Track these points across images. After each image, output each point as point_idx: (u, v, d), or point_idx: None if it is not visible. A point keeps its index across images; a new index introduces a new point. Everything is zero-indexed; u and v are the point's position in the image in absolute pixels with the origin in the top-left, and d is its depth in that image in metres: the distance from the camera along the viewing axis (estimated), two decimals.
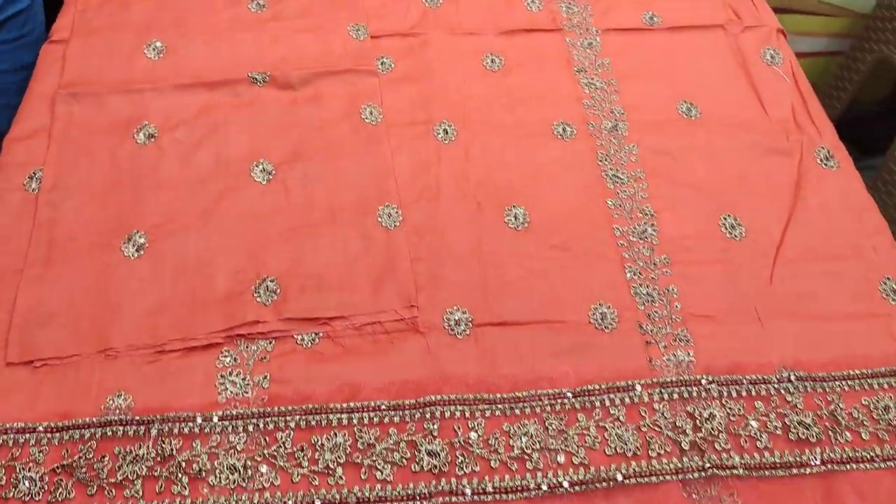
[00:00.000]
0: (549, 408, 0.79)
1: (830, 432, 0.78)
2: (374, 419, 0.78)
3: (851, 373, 0.82)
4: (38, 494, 0.72)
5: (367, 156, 1.00)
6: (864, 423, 0.79)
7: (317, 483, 0.74)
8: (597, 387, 0.80)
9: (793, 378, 0.82)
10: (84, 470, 0.74)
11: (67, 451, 0.75)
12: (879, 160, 1.58)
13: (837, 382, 0.82)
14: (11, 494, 0.72)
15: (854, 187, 1.00)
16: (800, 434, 0.78)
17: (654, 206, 0.96)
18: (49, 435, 0.76)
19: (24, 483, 0.73)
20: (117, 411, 0.77)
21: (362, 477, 0.74)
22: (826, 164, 1.01)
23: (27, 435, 0.75)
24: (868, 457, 0.77)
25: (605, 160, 1.01)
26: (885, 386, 0.82)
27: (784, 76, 1.12)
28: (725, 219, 0.95)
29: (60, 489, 0.72)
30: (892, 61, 1.56)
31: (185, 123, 1.02)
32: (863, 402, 0.80)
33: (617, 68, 1.13)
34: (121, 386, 0.79)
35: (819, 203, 0.97)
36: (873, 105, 1.85)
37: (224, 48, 1.12)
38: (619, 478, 0.74)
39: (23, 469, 0.73)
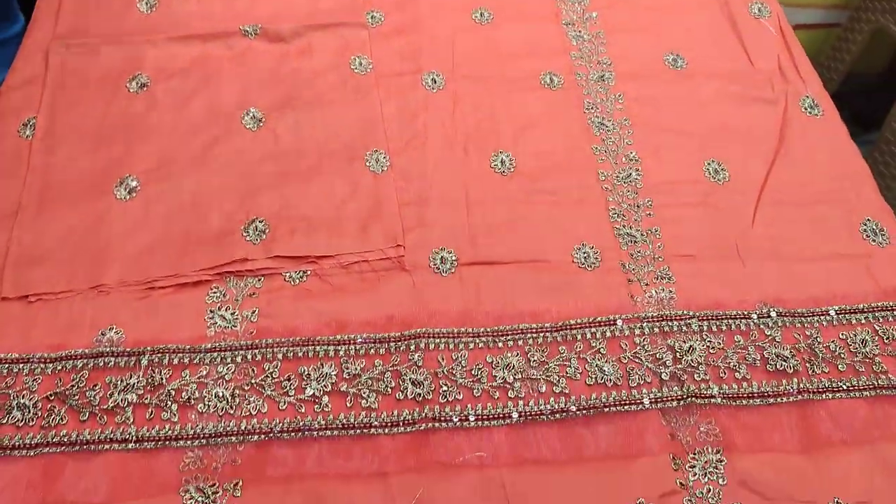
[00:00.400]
0: (531, 340, 0.80)
1: (808, 364, 0.79)
2: (360, 351, 0.79)
3: (830, 308, 0.83)
4: (32, 420, 0.74)
5: (356, 104, 1.01)
6: (842, 355, 0.80)
7: (303, 410, 0.75)
8: (578, 321, 0.81)
9: (773, 314, 0.83)
10: (76, 397, 0.76)
11: (60, 379, 0.77)
12: (876, 134, 1.57)
13: (816, 318, 0.83)
14: (5, 420, 0.74)
15: (838, 134, 1.00)
16: (777, 366, 0.79)
17: (639, 151, 0.97)
18: (42, 365, 0.77)
19: (16, 410, 0.74)
20: (108, 344, 0.79)
21: (347, 405, 0.76)
22: (811, 112, 1.02)
23: (21, 365, 0.77)
24: (844, 387, 0.78)
25: (592, 108, 1.02)
26: (863, 321, 0.83)
27: (771, 29, 1.12)
28: (709, 164, 0.96)
29: (53, 415, 0.74)
30: (890, 32, 1.56)
31: (177, 74, 1.04)
32: (840, 336, 0.82)
33: (605, 21, 1.13)
34: (112, 320, 0.81)
35: (803, 149, 0.98)
36: (871, 77, 1.84)
37: (216, 2, 1.13)
38: (599, 405, 0.76)
39: (16, 396, 0.75)
